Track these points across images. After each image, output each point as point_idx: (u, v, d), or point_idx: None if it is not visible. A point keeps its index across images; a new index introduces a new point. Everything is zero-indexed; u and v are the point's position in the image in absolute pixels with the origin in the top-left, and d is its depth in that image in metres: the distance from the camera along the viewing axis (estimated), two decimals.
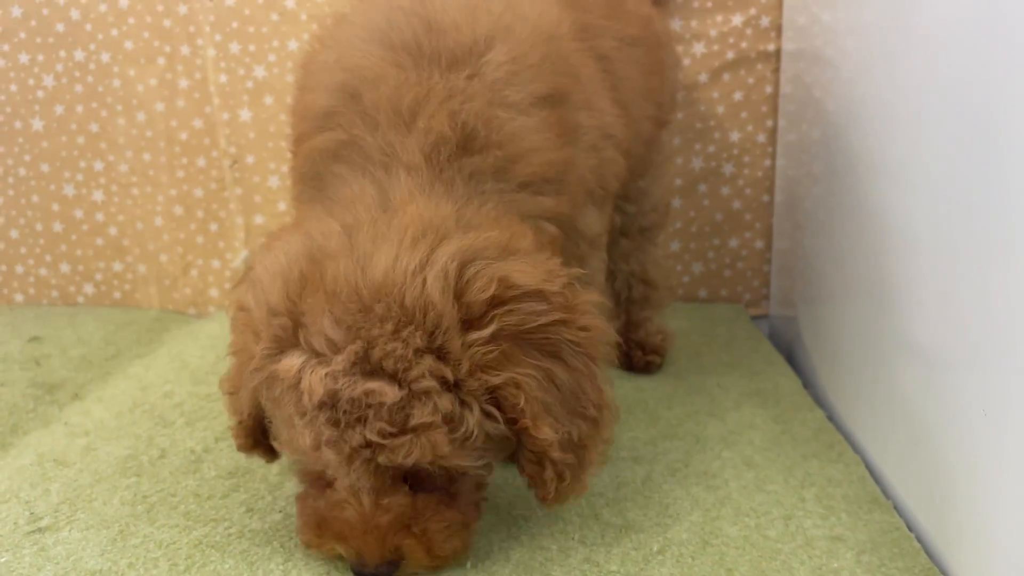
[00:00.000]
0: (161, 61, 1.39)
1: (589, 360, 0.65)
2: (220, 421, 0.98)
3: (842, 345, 1.05)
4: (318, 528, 0.68)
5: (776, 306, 1.41)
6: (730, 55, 1.32)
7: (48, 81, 1.41)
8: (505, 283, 0.61)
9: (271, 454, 0.74)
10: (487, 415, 0.61)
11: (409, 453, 0.60)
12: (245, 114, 1.39)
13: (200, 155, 1.42)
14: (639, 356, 1.09)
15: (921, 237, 0.80)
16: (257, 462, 0.88)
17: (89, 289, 1.51)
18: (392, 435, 0.59)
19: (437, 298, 0.59)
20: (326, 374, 0.59)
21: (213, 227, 1.46)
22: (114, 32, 1.38)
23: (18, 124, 1.43)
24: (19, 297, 1.52)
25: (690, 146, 1.37)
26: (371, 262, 0.61)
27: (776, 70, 1.32)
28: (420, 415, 0.59)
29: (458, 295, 0.60)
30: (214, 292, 1.49)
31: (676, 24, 1.31)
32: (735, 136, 1.36)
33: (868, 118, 0.99)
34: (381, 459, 0.60)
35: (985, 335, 0.66)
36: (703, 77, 1.33)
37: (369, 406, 0.59)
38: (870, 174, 0.96)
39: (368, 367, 0.59)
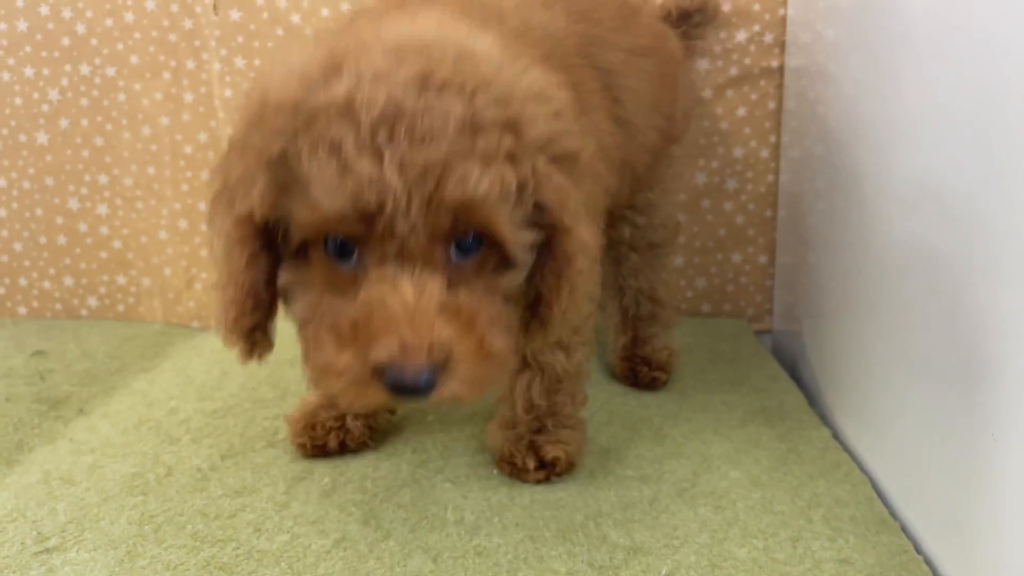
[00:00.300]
0: (166, 75, 1.39)
1: None
2: (226, 438, 0.99)
3: (848, 362, 1.05)
4: (345, 337, 0.59)
5: (779, 321, 1.41)
6: (734, 71, 1.32)
7: (53, 95, 1.41)
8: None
9: (266, 344, 0.69)
10: (536, 204, 0.62)
11: (479, 181, 0.56)
12: None
13: (205, 168, 1.42)
14: (645, 372, 1.09)
15: (926, 253, 0.80)
16: (263, 480, 0.88)
17: (93, 302, 1.51)
18: (462, 155, 0.56)
19: (511, 74, 0.61)
20: (386, 86, 0.56)
21: None
22: (120, 46, 1.38)
23: (23, 137, 1.43)
24: (22, 310, 1.52)
25: (693, 161, 1.37)
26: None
27: (780, 86, 1.33)
28: (487, 143, 0.57)
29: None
30: None
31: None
32: (739, 152, 1.36)
33: (871, 135, 0.99)
34: (448, 191, 0.56)
35: (994, 353, 0.66)
36: (707, 93, 1.34)
37: (436, 123, 0.55)
38: (874, 190, 0.97)
39: (433, 83, 0.57)
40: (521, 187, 0.60)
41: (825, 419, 1.05)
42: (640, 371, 1.10)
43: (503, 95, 0.60)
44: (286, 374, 1.16)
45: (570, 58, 0.83)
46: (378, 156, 0.55)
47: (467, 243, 0.61)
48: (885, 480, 0.88)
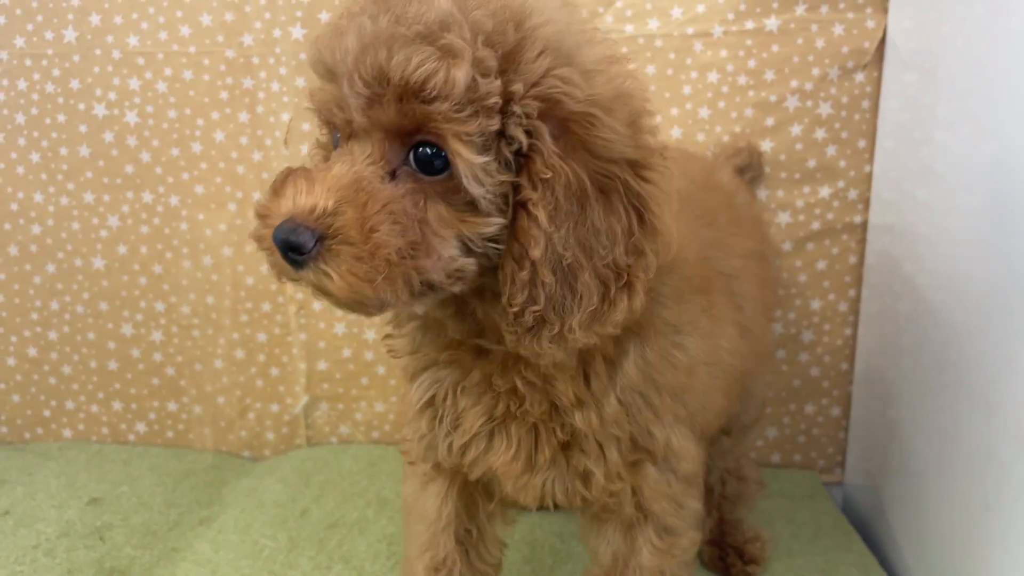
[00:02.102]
0: (232, 207, 1.35)
1: (636, 216, 0.61)
2: None
3: (934, 527, 1.01)
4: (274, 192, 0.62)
5: (852, 475, 1.37)
6: (815, 226, 1.30)
7: (113, 221, 1.37)
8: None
9: None
10: (508, 143, 0.59)
11: (420, 66, 0.56)
12: None
13: (266, 300, 1.38)
14: (738, 567, 1.05)
15: None
16: None
17: (141, 428, 1.46)
18: (421, 37, 0.56)
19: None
20: None
21: (274, 372, 1.42)
22: (185, 176, 1.35)
23: (79, 262, 1.39)
24: (67, 433, 1.47)
25: None
26: None
27: (861, 241, 1.30)
28: (457, 44, 0.56)
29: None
30: (270, 435, 1.44)
31: (762, 194, 1.28)
32: (816, 304, 1.33)
33: (970, 297, 0.97)
34: (395, 61, 0.56)
35: None
36: (787, 246, 1.31)
37: (421, 11, 0.57)
38: (972, 352, 0.94)
39: None
40: (502, 123, 0.58)
41: None
42: (732, 564, 1.06)
43: (517, 16, 0.59)
44: (346, 544, 1.11)
45: (695, 269, 0.80)
46: (357, 27, 0.58)
47: (425, 155, 0.60)
48: None
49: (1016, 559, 0.80)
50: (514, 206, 0.60)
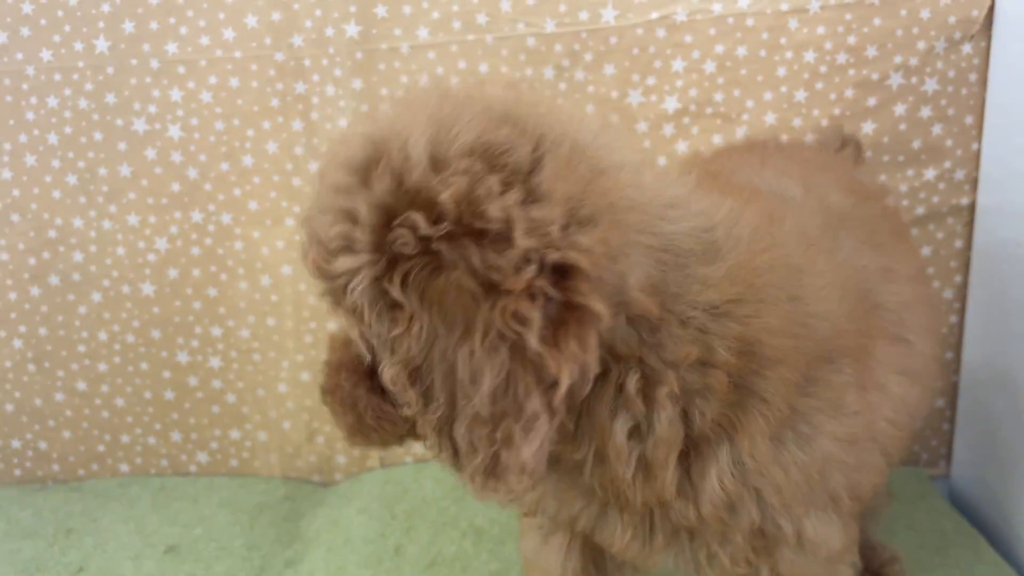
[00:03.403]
0: (289, 223, 1.26)
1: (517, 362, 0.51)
2: None
3: None
4: None
5: (960, 468, 1.31)
6: (920, 210, 1.21)
7: (161, 244, 1.28)
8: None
9: None
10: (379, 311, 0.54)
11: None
12: None
13: (330, 319, 1.29)
14: None
15: None
16: None
17: (203, 458, 1.38)
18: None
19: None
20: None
21: None
22: (236, 192, 1.25)
23: (126, 289, 1.30)
24: (124, 467, 1.39)
25: None
26: None
27: (968, 223, 1.22)
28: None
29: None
30: (341, 459, 1.36)
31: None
32: None
33: None
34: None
35: None
36: None
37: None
38: None
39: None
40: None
41: None
42: None
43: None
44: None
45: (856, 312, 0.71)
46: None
47: None
48: None
49: None
50: None
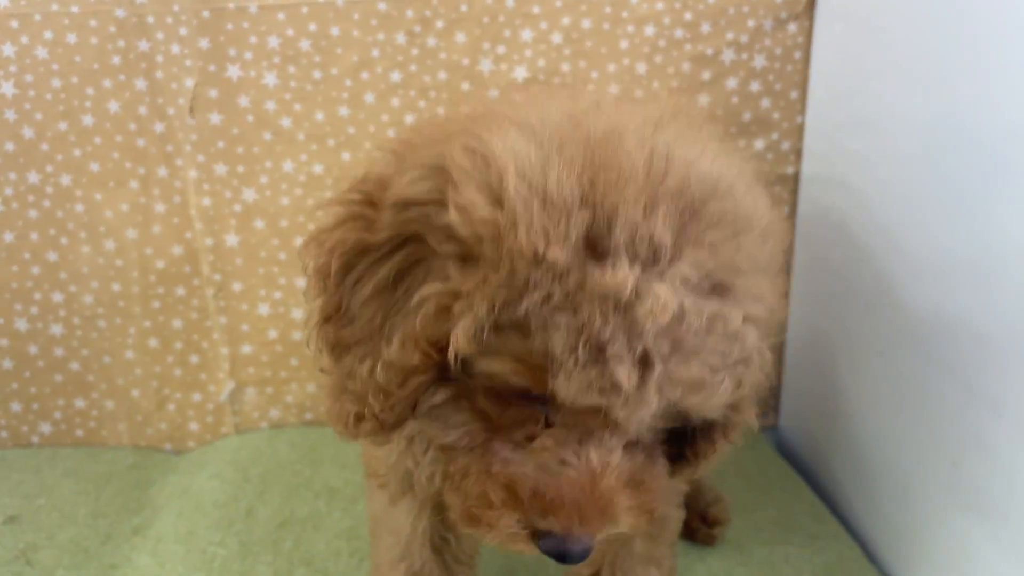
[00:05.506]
0: (134, 184, 1.22)
1: None
2: None
3: (873, 466, 1.08)
4: (516, 501, 0.53)
5: (787, 419, 1.41)
6: None
7: None
8: None
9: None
10: None
11: (715, 393, 0.50)
12: (231, 239, 1.25)
13: (179, 284, 1.27)
14: (703, 531, 1.06)
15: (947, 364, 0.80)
16: None
17: (46, 428, 1.34)
18: (717, 369, 0.49)
19: (766, 212, 0.54)
20: (671, 288, 0.47)
21: (194, 359, 1.31)
22: (76, 152, 1.20)
23: None
24: None
25: None
26: (675, 152, 0.51)
27: (793, 191, 1.31)
28: (743, 348, 0.50)
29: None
30: (194, 426, 1.35)
31: None
32: None
33: (903, 244, 1.00)
34: (690, 401, 0.50)
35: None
36: None
37: (709, 332, 0.48)
38: (904, 298, 0.99)
39: (708, 283, 0.49)
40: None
41: (848, 526, 1.11)
42: (697, 528, 1.06)
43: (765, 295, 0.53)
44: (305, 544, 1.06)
45: None
46: (642, 371, 0.48)
47: None
48: None
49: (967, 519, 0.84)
50: None
